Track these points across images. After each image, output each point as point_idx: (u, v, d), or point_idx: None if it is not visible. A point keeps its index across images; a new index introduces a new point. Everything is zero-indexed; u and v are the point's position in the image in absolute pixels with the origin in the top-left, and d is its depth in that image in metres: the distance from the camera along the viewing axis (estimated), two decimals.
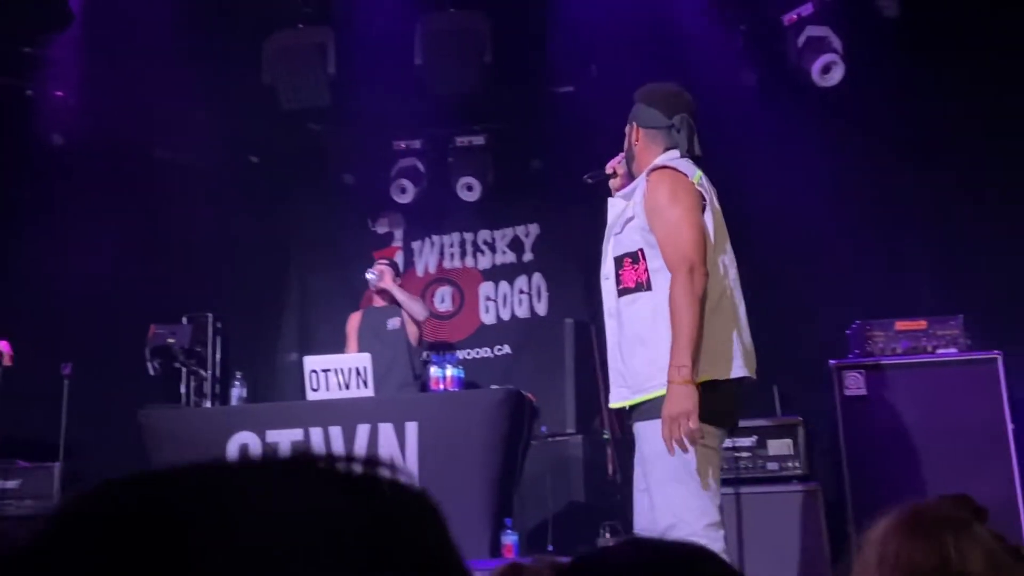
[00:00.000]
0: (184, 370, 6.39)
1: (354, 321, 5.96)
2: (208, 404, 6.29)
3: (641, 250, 2.89)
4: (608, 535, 4.91)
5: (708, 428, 2.74)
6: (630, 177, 3.13)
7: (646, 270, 2.86)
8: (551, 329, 6.66)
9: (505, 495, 4.68)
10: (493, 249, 7.30)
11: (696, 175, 2.94)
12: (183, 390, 6.42)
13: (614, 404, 2.97)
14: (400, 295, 5.79)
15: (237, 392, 5.17)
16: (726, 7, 5.58)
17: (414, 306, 5.83)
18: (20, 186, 6.20)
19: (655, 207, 2.86)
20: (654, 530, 2.69)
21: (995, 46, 5.48)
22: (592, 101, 6.44)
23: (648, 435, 2.80)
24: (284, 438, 4.75)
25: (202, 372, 6.37)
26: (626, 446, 5.72)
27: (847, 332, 4.88)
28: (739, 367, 2.83)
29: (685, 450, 2.67)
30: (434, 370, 5.02)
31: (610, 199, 3.14)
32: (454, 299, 7.32)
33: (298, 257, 7.46)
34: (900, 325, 4.70)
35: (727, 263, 2.92)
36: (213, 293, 6.80)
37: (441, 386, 4.96)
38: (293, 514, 0.47)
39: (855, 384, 4.59)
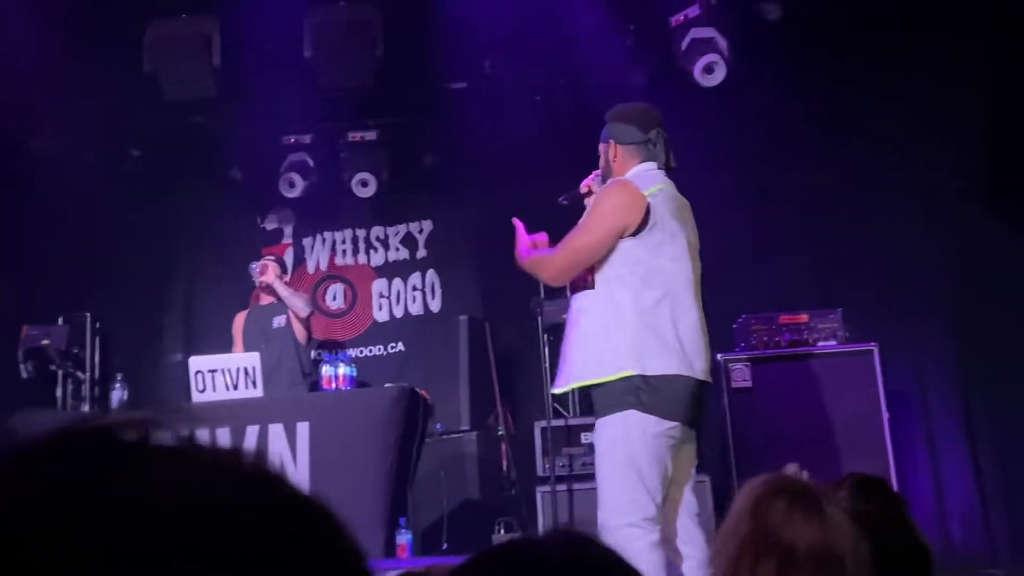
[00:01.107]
0: (60, 373, 6.10)
1: (240, 320, 5.84)
2: (87, 408, 6.02)
3: None
4: (503, 531, 4.93)
5: (651, 419, 2.93)
6: None
7: (592, 271, 3.13)
8: (444, 326, 6.63)
9: (399, 494, 4.64)
10: (386, 246, 7.23)
11: (652, 188, 3.14)
12: (59, 393, 6.13)
13: (556, 390, 3.28)
14: (282, 290, 5.69)
15: (118, 395, 4.96)
16: (616, 7, 5.66)
17: (296, 302, 5.73)
18: None
19: (589, 212, 3.19)
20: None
21: (871, 48, 5.73)
22: (486, 97, 6.45)
23: (598, 429, 3.08)
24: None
25: (80, 374, 6.09)
26: (520, 443, 5.76)
27: (733, 326, 5.02)
28: (672, 365, 3.01)
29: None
30: (326, 369, 4.93)
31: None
32: (346, 296, 7.21)
33: (183, 254, 7.21)
34: (783, 319, 4.87)
35: (673, 269, 3.12)
36: (92, 292, 6.51)
37: (333, 385, 4.88)
38: (174, 504, 0.43)
39: (741, 377, 4.73)
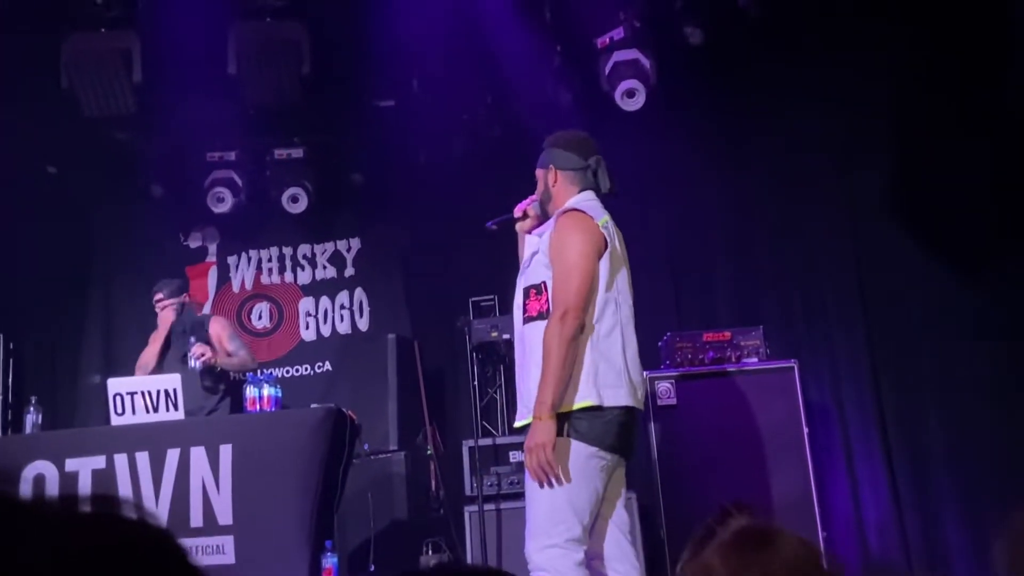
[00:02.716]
0: None
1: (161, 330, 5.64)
2: None
3: (544, 283, 3.15)
4: (430, 552, 4.89)
5: (582, 447, 2.98)
6: (544, 217, 3.36)
7: (548, 300, 3.12)
8: (373, 345, 6.58)
9: (325, 516, 4.57)
10: (313, 264, 7.15)
11: (603, 219, 3.20)
12: None
13: (519, 423, 3.20)
14: (234, 364, 5.51)
15: (31, 418, 4.80)
16: (543, 28, 5.72)
17: (250, 366, 5.57)
18: None
19: (557, 247, 3.14)
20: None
21: (792, 68, 5.90)
22: (414, 115, 6.44)
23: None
24: (85, 466, 4.46)
25: None
26: (449, 462, 5.74)
27: (658, 344, 5.09)
28: (623, 396, 3.08)
29: (541, 480, 2.95)
30: (250, 389, 4.84)
31: (528, 236, 3.36)
32: (272, 315, 7.11)
33: (103, 273, 7.02)
34: (707, 336, 4.96)
35: (620, 301, 3.17)
36: (5, 312, 6.30)
37: (257, 406, 4.80)
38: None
39: (666, 394, 4.80)
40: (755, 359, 4.91)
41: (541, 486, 2.99)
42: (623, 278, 3.25)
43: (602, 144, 3.44)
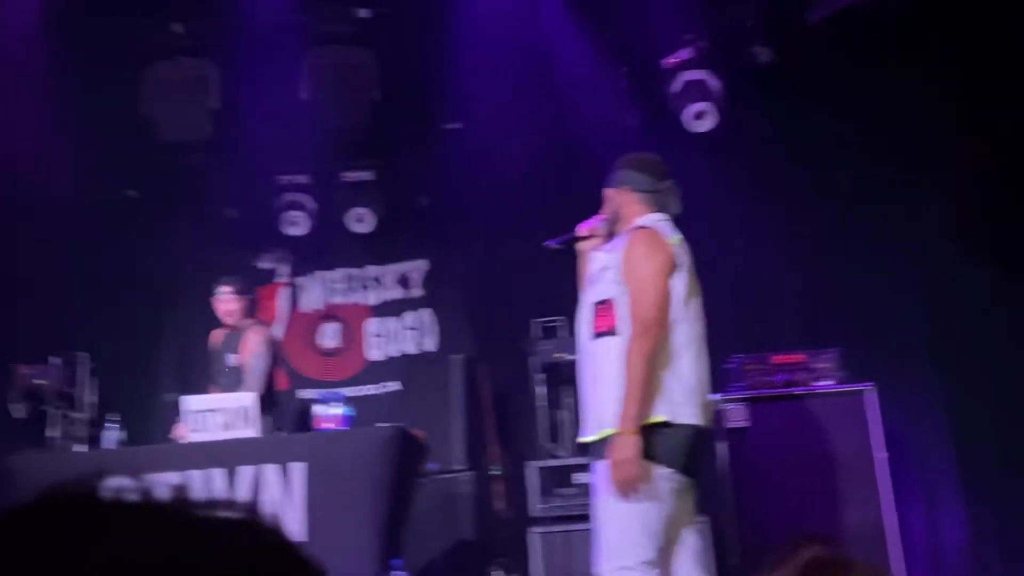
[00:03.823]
0: (54, 412, 6.06)
1: (218, 337, 5.47)
2: (82, 448, 5.98)
3: (613, 299, 3.16)
4: (499, 572, 4.89)
5: (657, 468, 2.98)
6: (611, 237, 3.39)
7: (616, 317, 3.13)
8: (440, 365, 6.63)
9: (394, 535, 4.61)
10: (381, 285, 7.25)
11: (676, 238, 3.23)
12: (53, 433, 6.09)
13: (586, 438, 3.20)
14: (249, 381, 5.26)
15: (113, 435, 4.93)
16: (609, 49, 5.75)
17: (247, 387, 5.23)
18: None
19: (631, 265, 3.15)
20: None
21: (863, 90, 5.82)
22: (480, 137, 6.51)
23: (599, 471, 3.08)
24: (162, 482, 4.56)
25: (74, 414, 6.06)
26: (516, 482, 5.74)
27: (726, 366, 5.03)
28: (693, 415, 3.07)
29: (626, 495, 2.94)
30: (321, 408, 4.92)
31: (593, 252, 3.37)
32: (341, 335, 7.21)
33: (178, 293, 7.22)
34: (777, 359, 4.89)
35: (693, 319, 3.18)
36: (87, 332, 6.50)
37: (328, 425, 4.87)
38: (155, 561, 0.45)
39: (738, 416, 4.74)
40: (829, 381, 4.82)
41: (616, 504, 2.99)
42: (695, 297, 3.25)
43: (672, 164, 3.45)
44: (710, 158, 5.75)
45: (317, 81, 5.98)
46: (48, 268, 6.27)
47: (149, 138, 6.02)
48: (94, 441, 6.07)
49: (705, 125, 5.36)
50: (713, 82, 5.40)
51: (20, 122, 5.78)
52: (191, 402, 4.81)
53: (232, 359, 5.29)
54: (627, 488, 2.95)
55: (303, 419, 5.98)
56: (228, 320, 5.31)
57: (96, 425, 6.09)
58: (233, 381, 5.27)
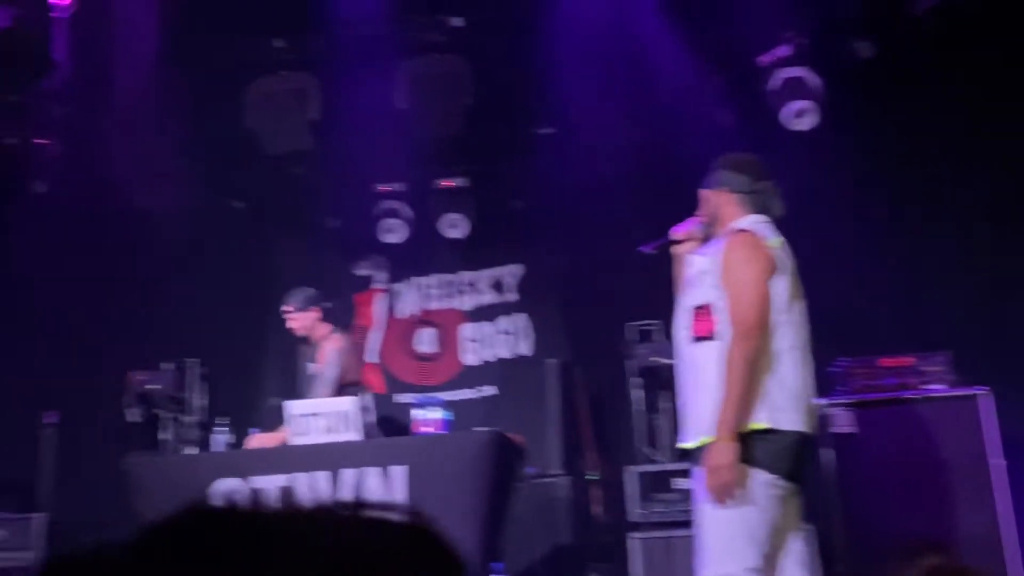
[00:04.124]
0: (166, 416, 6.31)
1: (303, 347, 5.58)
2: (192, 450, 6.20)
3: (712, 303, 3.11)
4: None
5: (759, 473, 2.91)
6: (708, 239, 3.33)
7: (716, 321, 3.08)
8: (535, 369, 6.65)
9: (494, 538, 4.64)
10: (475, 290, 7.32)
11: (776, 240, 3.16)
12: (165, 437, 6.34)
13: (682, 445, 3.16)
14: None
15: (223, 438, 5.10)
16: (703, 48, 5.67)
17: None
18: (3, 234, 6.16)
19: (730, 268, 3.09)
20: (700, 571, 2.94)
21: (970, 83, 5.60)
22: (573, 141, 6.51)
23: (700, 479, 3.03)
24: (269, 484, 4.69)
25: (185, 418, 6.30)
26: (614, 487, 5.71)
27: (831, 369, 4.90)
28: (797, 420, 3.00)
29: (722, 502, 2.90)
30: (419, 413, 4.98)
31: (690, 256, 3.32)
32: (436, 341, 7.30)
33: (281, 301, 7.41)
34: (885, 362, 4.74)
35: (796, 323, 3.11)
36: (197, 339, 6.74)
37: (427, 429, 4.93)
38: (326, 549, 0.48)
39: (843, 421, 4.61)
40: (941, 386, 4.64)
41: (718, 510, 2.94)
42: (798, 300, 3.18)
43: (770, 164, 3.38)
44: (811, 157, 5.62)
45: (412, 90, 6.09)
46: (160, 278, 6.53)
47: (254, 151, 6.21)
48: (204, 444, 6.30)
49: (805, 123, 5.23)
50: (812, 79, 5.27)
51: (135, 139, 6.04)
52: (294, 406, 4.93)
53: (311, 368, 5.43)
54: (722, 495, 2.90)
55: (392, 423, 6.07)
56: (298, 334, 5.43)
57: (205, 428, 6.32)
58: (311, 389, 5.40)
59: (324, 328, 5.38)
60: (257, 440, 5.07)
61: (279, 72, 6.10)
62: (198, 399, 6.46)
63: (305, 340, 5.41)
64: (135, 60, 5.58)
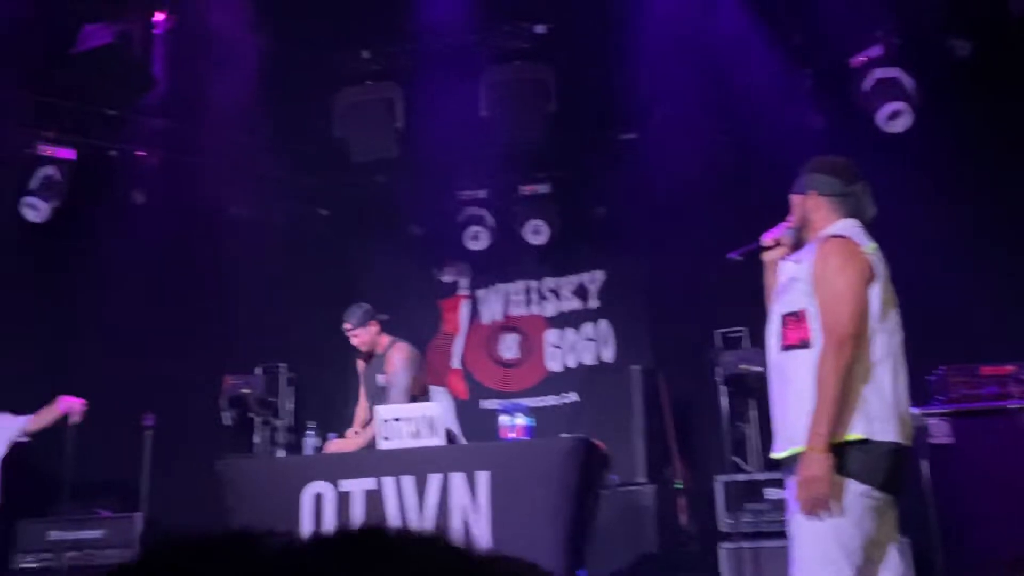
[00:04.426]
0: (258, 419, 6.48)
1: (360, 363, 5.67)
2: (281, 453, 6.36)
3: (805, 310, 3.04)
4: None
5: (854, 485, 2.85)
6: (798, 245, 3.25)
7: (808, 329, 3.02)
8: (618, 376, 6.61)
9: (578, 545, 4.62)
10: (558, 296, 7.32)
11: (870, 245, 3.07)
12: (257, 439, 6.51)
13: (778, 454, 3.10)
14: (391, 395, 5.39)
15: (311, 442, 5.21)
16: (792, 50, 5.57)
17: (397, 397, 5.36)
18: (103, 242, 6.41)
19: (823, 274, 3.01)
20: None
21: None
22: (656, 147, 6.46)
23: (793, 487, 2.96)
24: (357, 487, 4.77)
25: (275, 421, 6.46)
26: (700, 496, 5.64)
27: (928, 378, 4.75)
28: (892, 431, 2.92)
29: (814, 515, 2.84)
30: (504, 419, 5.00)
31: (781, 262, 3.25)
32: (520, 347, 7.33)
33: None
34: (985, 370, 4.57)
35: (891, 331, 3.03)
36: (286, 344, 6.90)
37: (512, 435, 4.95)
38: None
39: (941, 432, 4.46)
40: None
41: (811, 521, 2.88)
42: (892, 307, 3.09)
43: (862, 167, 3.29)
44: (905, 160, 5.46)
45: (495, 97, 6.13)
46: (251, 284, 6.70)
47: (341, 159, 6.33)
48: (293, 447, 6.45)
49: (900, 125, 5.08)
50: (907, 80, 5.12)
51: (228, 150, 6.24)
52: (383, 411, 5.01)
53: (381, 379, 5.49)
54: (815, 508, 2.84)
55: (477, 429, 6.11)
56: (361, 349, 5.49)
57: (294, 432, 6.47)
58: (383, 399, 5.43)
59: (385, 339, 5.48)
60: (335, 445, 5.17)
61: (366, 82, 6.20)
62: (287, 403, 6.62)
63: (369, 355, 5.50)
64: (229, 73, 5.75)
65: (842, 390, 2.86)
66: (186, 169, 6.45)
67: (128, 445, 5.70)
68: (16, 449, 4.96)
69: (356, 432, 5.33)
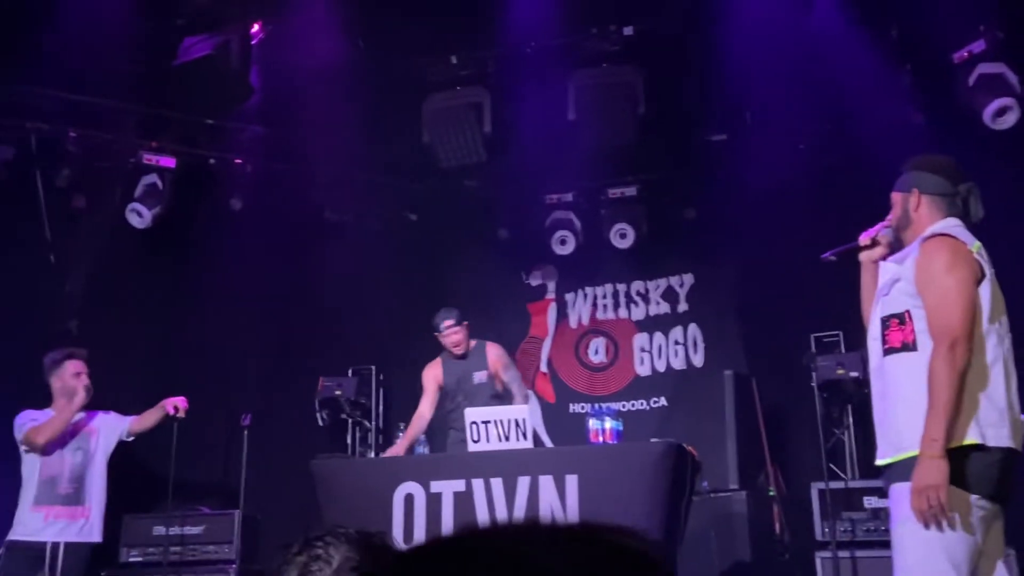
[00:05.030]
0: (350, 421, 6.60)
1: (435, 371, 5.76)
2: (372, 454, 6.46)
3: (908, 312, 2.96)
4: None
5: (960, 493, 2.77)
6: (898, 245, 3.18)
7: (912, 331, 2.94)
8: (708, 381, 6.53)
9: (669, 551, 4.57)
10: (646, 300, 7.26)
11: (975, 244, 2.99)
12: (349, 440, 6.64)
13: (882, 461, 3.01)
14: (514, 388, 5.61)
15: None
16: (890, 45, 5.40)
17: (518, 401, 5.55)
18: (201, 248, 6.62)
19: (929, 274, 2.92)
20: None
21: None
22: (746, 148, 6.36)
23: (896, 497, 2.88)
24: (447, 489, 4.82)
25: (367, 423, 6.57)
26: (794, 504, 5.51)
27: None
28: (1004, 436, 2.83)
29: (929, 524, 2.74)
30: (593, 422, 4.98)
31: (882, 263, 3.18)
32: (608, 350, 7.29)
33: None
34: None
35: (1001, 333, 2.94)
36: (376, 346, 7.01)
37: (600, 439, 4.93)
38: None
39: None
40: None
41: (917, 532, 2.79)
42: (1002, 308, 2.97)
43: (964, 164, 3.17)
44: (1011, 157, 5.24)
45: (583, 100, 6.11)
46: (347, 288, 6.83)
47: (430, 164, 6.41)
48: (382, 448, 6.54)
49: (1007, 122, 4.88)
50: (1011, 75, 4.92)
51: (322, 157, 6.38)
52: (472, 414, 5.05)
53: (480, 376, 5.54)
54: (931, 517, 2.74)
55: (564, 432, 6.10)
56: (458, 350, 5.61)
57: (385, 433, 6.57)
58: (484, 396, 5.57)
59: (472, 340, 5.65)
60: (391, 451, 5.29)
61: (455, 87, 6.27)
62: (379, 404, 6.73)
63: (462, 356, 5.63)
64: (322, 80, 5.89)
65: (956, 393, 2.76)
66: (281, 176, 6.62)
67: (228, 445, 5.87)
68: (122, 448, 5.16)
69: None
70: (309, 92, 5.99)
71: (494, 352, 5.68)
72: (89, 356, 5.08)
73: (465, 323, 5.64)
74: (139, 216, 6.21)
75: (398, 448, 5.31)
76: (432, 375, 5.75)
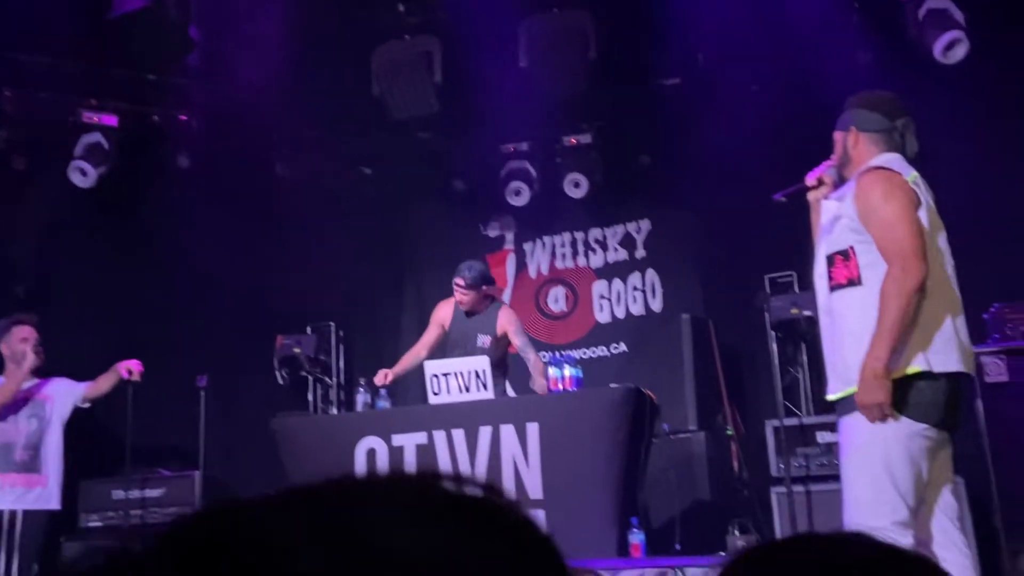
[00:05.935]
0: (310, 378, 6.58)
1: (446, 311, 5.62)
2: (334, 411, 6.45)
3: (852, 247, 2.98)
4: (738, 533, 4.81)
5: (907, 423, 2.81)
6: (841, 182, 3.19)
7: (857, 266, 2.96)
8: (667, 326, 6.57)
9: (630, 494, 4.64)
10: (605, 247, 7.27)
11: (911, 175, 3.01)
12: (310, 397, 6.62)
13: (830, 396, 3.06)
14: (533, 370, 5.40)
15: (362, 398, 5.28)
16: None
17: (539, 380, 5.30)
18: (150, 208, 6.50)
19: (869, 206, 2.95)
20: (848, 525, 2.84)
21: None
22: (700, 92, 6.34)
23: (845, 429, 2.93)
24: (409, 442, 4.84)
25: (327, 380, 6.55)
26: (750, 443, 5.60)
27: (984, 316, 4.65)
28: (953, 360, 2.87)
29: (879, 420, 2.78)
30: (552, 370, 5.01)
31: (824, 202, 3.20)
32: (567, 299, 7.31)
33: (413, 264, 7.58)
34: None
35: (941, 261, 2.97)
36: (334, 303, 6.96)
37: (560, 386, 4.96)
38: (414, 553, 0.45)
39: (996, 371, 4.37)
40: None
41: (864, 463, 2.83)
42: (942, 237, 3.01)
43: (913, 101, 3.19)
44: (957, 91, 5.28)
45: (533, 47, 6.03)
46: (298, 244, 6.76)
47: (382, 116, 6.31)
48: (344, 404, 6.54)
49: (956, 56, 4.91)
50: (956, 12, 4.94)
51: (270, 112, 6.25)
52: (432, 366, 5.05)
53: (483, 339, 5.45)
54: (878, 416, 2.79)
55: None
56: (461, 307, 5.49)
57: (346, 389, 6.56)
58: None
59: (487, 301, 5.50)
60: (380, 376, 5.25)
61: (403, 36, 6.15)
62: (339, 361, 6.70)
63: (470, 312, 5.49)
64: (266, 35, 5.75)
65: (905, 315, 2.79)
66: (229, 132, 6.48)
67: (185, 406, 5.82)
68: (77, 413, 5.09)
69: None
70: (253, 44, 5.85)
71: (505, 315, 5.53)
72: (39, 321, 4.99)
73: (483, 288, 5.45)
74: (83, 175, 6.06)
75: (394, 369, 5.29)
76: (440, 315, 5.62)
